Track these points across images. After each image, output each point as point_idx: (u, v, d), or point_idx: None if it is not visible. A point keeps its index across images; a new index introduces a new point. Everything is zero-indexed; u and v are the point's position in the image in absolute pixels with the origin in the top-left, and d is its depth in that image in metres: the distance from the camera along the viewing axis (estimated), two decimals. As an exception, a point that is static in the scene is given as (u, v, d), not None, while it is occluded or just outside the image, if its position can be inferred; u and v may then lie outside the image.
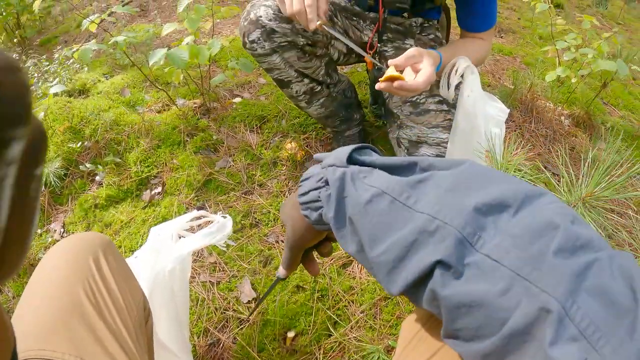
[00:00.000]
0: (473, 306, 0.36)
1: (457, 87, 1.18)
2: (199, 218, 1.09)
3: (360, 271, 1.33)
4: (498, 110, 1.17)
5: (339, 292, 1.28)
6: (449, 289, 0.38)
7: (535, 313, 0.33)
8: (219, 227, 1.03)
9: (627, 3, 3.41)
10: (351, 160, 0.51)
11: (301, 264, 0.68)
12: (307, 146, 1.66)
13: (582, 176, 1.11)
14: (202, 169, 1.57)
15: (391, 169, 0.48)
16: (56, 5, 3.45)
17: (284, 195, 1.51)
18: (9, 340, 0.29)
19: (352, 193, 0.47)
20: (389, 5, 1.25)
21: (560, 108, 1.90)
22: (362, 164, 0.51)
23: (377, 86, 1.04)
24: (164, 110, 1.84)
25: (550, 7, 1.70)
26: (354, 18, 1.37)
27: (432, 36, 1.41)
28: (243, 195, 1.51)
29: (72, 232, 1.49)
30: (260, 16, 1.18)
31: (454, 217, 0.39)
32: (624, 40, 2.52)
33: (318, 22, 1.06)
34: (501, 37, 2.52)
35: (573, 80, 1.72)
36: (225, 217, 1.06)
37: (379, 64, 1.12)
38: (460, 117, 1.18)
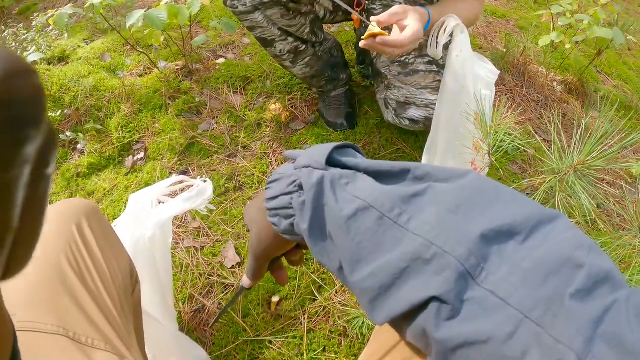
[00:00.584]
0: (472, 350, 0.31)
1: (446, 46, 1.14)
2: (179, 183, 1.07)
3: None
4: (488, 72, 1.14)
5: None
6: (444, 331, 0.33)
7: None
8: (199, 191, 1.02)
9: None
10: (331, 161, 0.43)
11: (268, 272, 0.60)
12: (292, 107, 1.62)
13: (575, 143, 1.09)
14: (184, 133, 1.53)
15: (379, 176, 0.41)
16: None
17: (268, 157, 1.48)
18: (8, 338, 0.29)
19: (332, 204, 0.40)
20: None
21: (552, 74, 1.87)
22: (344, 166, 0.43)
23: (361, 44, 1.01)
24: (146, 74, 1.79)
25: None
26: None
27: None
28: (227, 158, 1.48)
29: (56, 200, 1.46)
30: None
31: (456, 246, 0.33)
32: (621, 10, 2.48)
33: None
34: (495, 0, 2.47)
35: (567, 46, 1.69)
36: (205, 181, 1.04)
37: (366, 21, 1.08)
38: (448, 78, 1.15)
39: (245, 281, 0.61)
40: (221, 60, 1.76)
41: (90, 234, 0.70)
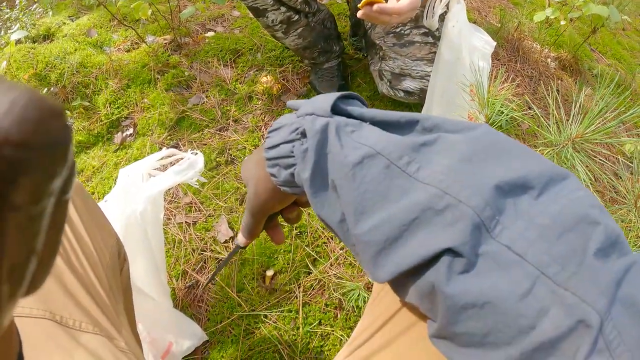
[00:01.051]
0: (484, 308, 0.30)
1: (442, 17, 1.13)
2: (169, 156, 1.06)
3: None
4: (484, 43, 1.13)
5: (317, 228, 1.27)
6: (456, 285, 0.31)
7: (571, 326, 0.28)
8: (190, 164, 1.00)
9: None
10: (335, 109, 0.42)
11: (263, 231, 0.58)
12: (283, 79, 1.60)
13: (573, 116, 1.09)
14: (174, 107, 1.51)
15: (385, 125, 0.40)
16: None
17: (260, 130, 1.46)
18: (15, 347, 0.31)
19: (337, 150, 0.38)
20: None
21: (547, 50, 1.87)
22: (349, 115, 0.42)
23: (358, 14, 0.99)
24: (133, 49, 1.75)
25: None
26: None
27: None
28: (218, 132, 1.46)
29: None
30: None
31: (471, 195, 0.32)
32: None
33: None
34: (489, -25, 2.45)
35: (562, 23, 1.68)
36: (196, 154, 1.02)
37: None
38: (444, 48, 1.14)
39: (241, 239, 0.59)
40: (210, 34, 1.73)
41: (74, 211, 0.68)
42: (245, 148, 1.42)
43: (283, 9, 1.27)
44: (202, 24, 1.81)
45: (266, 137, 0.46)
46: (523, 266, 0.29)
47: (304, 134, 0.41)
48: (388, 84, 1.27)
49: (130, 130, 1.50)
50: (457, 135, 0.36)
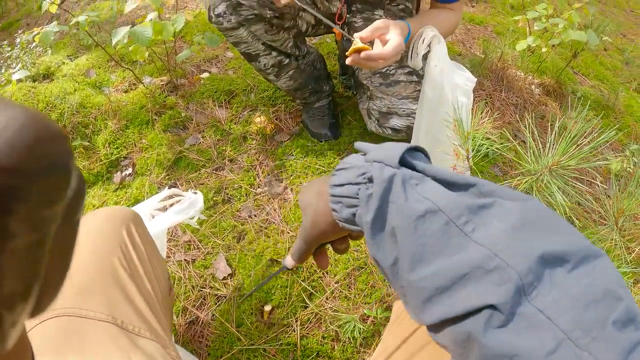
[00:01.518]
0: None
1: (425, 56, 1.20)
2: (170, 197, 1.13)
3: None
4: (465, 79, 1.20)
5: (312, 264, 1.32)
6: (492, 338, 0.35)
7: None
8: (191, 203, 1.08)
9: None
10: (402, 161, 0.46)
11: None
12: (276, 119, 1.67)
13: (549, 144, 1.15)
14: (171, 147, 1.57)
15: (446, 184, 0.44)
16: None
17: (255, 169, 1.52)
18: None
19: (401, 201, 0.42)
20: None
21: (530, 77, 1.95)
22: (413, 168, 0.46)
23: (347, 61, 1.06)
24: (131, 89, 1.82)
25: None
26: None
27: (401, 6, 1.42)
28: (214, 172, 1.52)
29: None
30: None
31: (519, 262, 0.36)
32: (596, 12, 2.57)
33: None
34: (472, 7, 2.54)
35: (544, 50, 1.75)
36: (195, 193, 1.10)
37: (347, 35, 1.13)
38: (427, 87, 1.21)
39: (289, 262, 0.63)
40: (205, 75, 1.81)
41: (138, 238, 0.78)
42: (241, 187, 1.48)
43: (274, 53, 1.34)
44: (197, 65, 1.89)
45: (332, 174, 0.51)
46: (552, 329, 0.34)
47: (370, 180, 0.45)
48: (376, 122, 1.34)
49: (129, 170, 1.56)
50: (512, 204, 0.41)
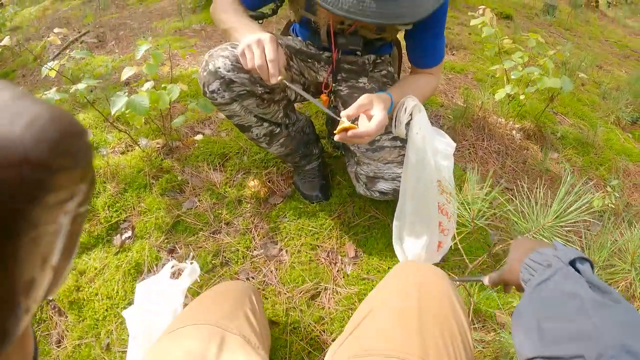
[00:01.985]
0: None
1: (407, 124, 1.28)
2: (172, 267, 1.28)
3: (329, 301, 1.41)
4: (445, 145, 1.27)
5: (310, 323, 1.37)
6: None
7: None
8: (192, 271, 1.25)
9: (574, 9, 3.58)
10: (573, 263, 0.68)
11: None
12: (269, 181, 1.73)
13: (540, 206, 1.21)
14: (169, 211, 1.62)
15: (593, 286, 0.61)
16: (12, 35, 3.42)
17: (251, 232, 1.58)
18: (29, 351, 0.33)
19: (558, 280, 0.65)
20: (342, 47, 1.35)
21: (511, 122, 2.03)
22: (576, 269, 0.66)
23: (335, 138, 1.13)
24: (128, 151, 1.89)
25: (496, 30, 1.82)
26: (309, 60, 1.46)
27: (384, 72, 1.50)
28: (211, 235, 1.57)
29: None
30: (219, 67, 1.24)
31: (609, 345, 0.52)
32: (572, 47, 2.68)
33: (279, 77, 1.14)
34: (453, 55, 2.64)
35: (522, 97, 1.84)
36: (192, 263, 1.27)
37: (334, 116, 1.18)
38: (411, 152, 1.28)
39: (486, 281, 0.93)
40: (199, 137, 1.88)
41: (257, 305, 0.99)
42: (238, 250, 1.53)
43: (266, 124, 1.42)
44: (190, 127, 1.96)
45: (536, 251, 0.75)
46: None
47: (549, 265, 0.69)
48: (364, 186, 1.40)
49: (129, 233, 1.61)
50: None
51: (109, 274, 1.50)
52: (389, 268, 1.49)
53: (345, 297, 1.42)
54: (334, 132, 1.13)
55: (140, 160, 1.79)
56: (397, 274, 0.96)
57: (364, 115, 1.17)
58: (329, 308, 1.40)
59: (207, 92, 1.28)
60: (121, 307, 1.42)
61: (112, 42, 3.05)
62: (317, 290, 1.44)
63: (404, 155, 1.33)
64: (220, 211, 1.64)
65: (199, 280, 1.39)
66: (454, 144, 1.29)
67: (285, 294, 1.43)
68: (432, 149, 1.28)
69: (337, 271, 1.49)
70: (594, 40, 3.36)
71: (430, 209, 1.34)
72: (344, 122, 1.12)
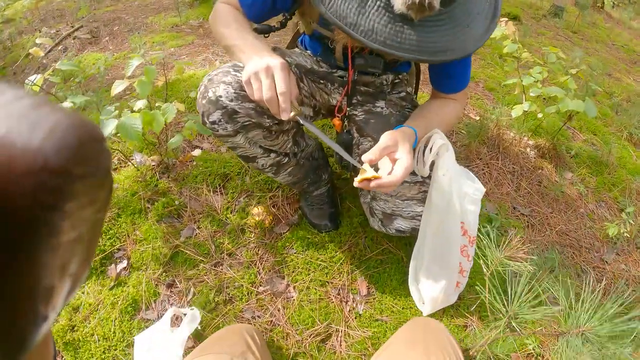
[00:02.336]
0: None
1: (432, 164, 1.15)
2: (172, 314, 1.25)
3: (340, 345, 1.30)
4: (474, 190, 1.15)
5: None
6: None
7: None
8: (192, 318, 1.20)
9: (581, 10, 3.42)
10: None
11: None
12: (274, 206, 1.59)
13: (581, 303, 1.07)
14: (167, 241, 1.49)
15: None
16: (4, 29, 3.18)
17: (255, 265, 1.45)
18: (49, 357, 0.33)
19: None
20: (360, 68, 1.19)
21: (526, 138, 1.91)
22: None
23: (355, 184, 1.00)
24: (121, 166, 1.73)
25: (519, 46, 1.68)
26: (321, 81, 1.31)
27: (402, 94, 1.36)
28: (213, 268, 1.45)
29: None
30: (220, 96, 1.09)
31: None
32: (582, 54, 2.56)
33: (292, 114, 1.00)
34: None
35: (539, 116, 1.72)
36: (192, 309, 1.23)
37: (358, 165, 1.02)
38: (434, 194, 1.15)
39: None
40: (197, 152, 1.72)
41: (259, 343, 1.04)
42: (242, 286, 1.41)
43: (273, 155, 1.28)
44: (188, 141, 1.81)
45: None
46: None
47: None
48: (380, 222, 1.28)
49: (124, 264, 1.47)
50: None
51: (104, 312, 1.37)
52: (403, 308, 1.38)
53: (358, 341, 1.31)
54: (355, 179, 1.00)
55: (134, 182, 1.64)
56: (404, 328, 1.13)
57: (387, 158, 1.04)
58: (341, 353, 1.29)
59: (207, 122, 1.13)
60: (119, 349, 1.30)
61: (106, 37, 2.84)
62: (328, 332, 1.33)
63: (424, 191, 1.20)
64: (221, 240, 1.50)
65: (199, 328, 1.27)
66: (483, 189, 1.17)
67: (294, 336, 1.32)
68: (459, 192, 1.15)
69: (349, 311, 1.37)
70: (601, 44, 3.23)
71: (452, 251, 1.23)
72: (366, 170, 0.99)
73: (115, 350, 1.30)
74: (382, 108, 1.31)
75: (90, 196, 0.22)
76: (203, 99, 1.11)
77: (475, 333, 1.33)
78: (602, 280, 1.56)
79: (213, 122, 1.12)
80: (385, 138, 1.02)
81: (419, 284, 1.33)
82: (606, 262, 1.63)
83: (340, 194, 1.64)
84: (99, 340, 1.32)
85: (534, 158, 1.87)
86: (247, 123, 1.14)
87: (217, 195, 1.62)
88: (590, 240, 1.66)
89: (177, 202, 1.58)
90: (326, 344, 1.31)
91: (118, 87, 1.46)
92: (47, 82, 2.31)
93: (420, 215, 1.22)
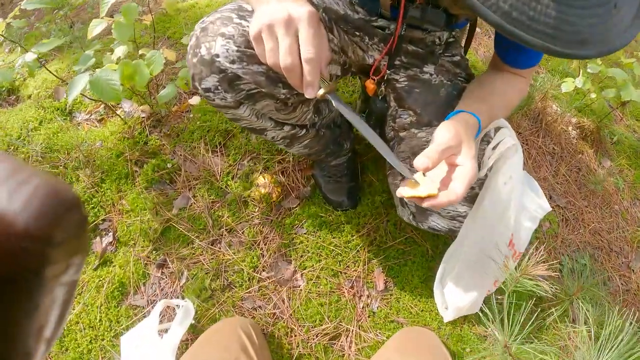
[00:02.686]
0: None
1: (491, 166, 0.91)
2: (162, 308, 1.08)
3: (350, 347, 1.15)
4: (537, 206, 0.93)
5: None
6: None
7: None
8: (185, 312, 1.06)
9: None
10: None
11: None
12: (282, 173, 1.34)
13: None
14: (158, 213, 1.27)
15: None
16: None
17: (258, 246, 1.25)
18: None
19: None
20: (414, 22, 0.83)
21: (569, 115, 1.65)
22: None
23: (398, 194, 0.77)
24: (108, 117, 1.46)
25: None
26: (357, 33, 0.99)
27: (456, 58, 1.05)
28: (210, 246, 1.25)
29: None
30: (217, 55, 0.79)
31: None
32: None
33: (321, 91, 0.74)
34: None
35: (592, 96, 1.46)
36: (185, 302, 1.09)
37: (404, 171, 0.78)
38: (488, 202, 0.93)
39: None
40: (195, 100, 1.43)
41: (252, 345, 0.93)
42: (242, 270, 1.22)
43: (287, 127, 1.02)
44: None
45: None
46: None
47: None
48: (411, 215, 1.06)
49: (110, 238, 1.27)
50: None
51: (89, 297, 1.19)
52: (422, 311, 1.21)
53: (370, 345, 1.16)
54: (403, 194, 0.76)
55: (120, 139, 1.37)
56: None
57: (444, 162, 0.79)
58: (349, 355, 1.15)
59: (200, 89, 0.85)
60: (107, 339, 1.14)
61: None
62: (338, 331, 1.17)
63: (474, 192, 0.97)
64: (220, 213, 1.29)
65: (193, 322, 1.10)
66: (548, 208, 0.95)
67: (299, 333, 1.16)
68: (518, 204, 0.93)
69: (362, 307, 1.21)
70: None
71: (493, 264, 1.04)
72: (419, 183, 0.75)
73: (103, 340, 1.14)
74: (430, 75, 1.02)
75: (67, 261, 0.22)
76: (194, 56, 0.81)
77: (495, 344, 1.19)
78: (629, 289, 1.40)
79: (207, 90, 0.83)
80: (446, 134, 0.76)
81: (444, 288, 1.15)
82: (632, 270, 1.46)
83: (362, 162, 1.39)
84: (84, 329, 1.15)
85: (575, 139, 1.63)
86: (253, 92, 0.86)
87: (217, 156, 1.37)
88: (620, 243, 1.48)
89: (169, 165, 1.34)
90: (334, 345, 1.16)
91: (96, 29, 1.15)
92: (37, 12, 1.96)
93: (463, 217, 1.01)
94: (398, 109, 1.04)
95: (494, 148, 0.89)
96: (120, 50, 1.13)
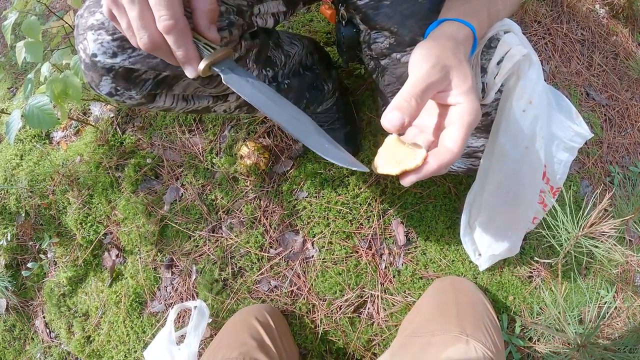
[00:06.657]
0: None
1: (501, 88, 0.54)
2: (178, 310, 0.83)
3: (378, 313, 0.89)
4: (573, 134, 0.56)
5: (358, 347, 0.88)
6: None
7: None
8: (200, 313, 0.81)
9: None
10: None
11: None
12: (268, 135, 1.01)
13: None
14: (151, 214, 1.01)
15: None
16: None
17: (260, 222, 0.97)
18: None
19: None
20: None
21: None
22: None
23: (374, 170, 0.45)
24: (82, 126, 1.17)
25: None
26: None
27: None
28: (211, 234, 0.99)
29: (56, 330, 1.06)
30: (95, 54, 0.51)
31: None
32: None
33: (202, 64, 0.43)
34: None
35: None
36: (198, 303, 0.83)
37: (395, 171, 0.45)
38: (503, 137, 0.58)
39: None
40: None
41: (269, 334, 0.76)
42: (249, 252, 0.96)
43: (232, 97, 0.69)
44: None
45: None
46: None
47: None
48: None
49: (116, 250, 1.05)
50: None
51: (112, 315, 1.01)
52: (453, 261, 0.91)
53: (400, 309, 0.89)
54: (401, 182, 0.43)
55: (96, 149, 1.09)
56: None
57: (433, 103, 0.45)
58: (379, 323, 0.89)
59: (102, 94, 0.57)
60: (138, 351, 0.97)
61: None
62: (362, 299, 0.91)
63: (489, 118, 0.62)
64: (212, 196, 1.01)
65: (209, 320, 0.88)
66: (589, 134, 0.57)
67: (320, 309, 0.91)
68: (547, 135, 0.57)
69: (385, 268, 0.92)
70: None
71: (526, 203, 0.69)
72: (401, 146, 0.42)
73: (136, 352, 0.97)
74: None
75: None
76: (81, 63, 0.54)
77: (541, 287, 0.87)
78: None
79: (110, 94, 0.55)
80: (423, 65, 0.42)
81: (474, 233, 0.83)
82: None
83: (355, 100, 1.02)
84: (117, 346, 0.99)
85: (605, 19, 1.14)
86: (160, 77, 0.56)
87: (195, 135, 1.06)
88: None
89: (149, 160, 1.05)
90: (360, 315, 0.90)
91: (22, 52, 0.84)
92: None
93: (480, 151, 0.66)
94: (370, 32, 0.66)
95: (498, 63, 0.52)
96: (44, 69, 0.82)
